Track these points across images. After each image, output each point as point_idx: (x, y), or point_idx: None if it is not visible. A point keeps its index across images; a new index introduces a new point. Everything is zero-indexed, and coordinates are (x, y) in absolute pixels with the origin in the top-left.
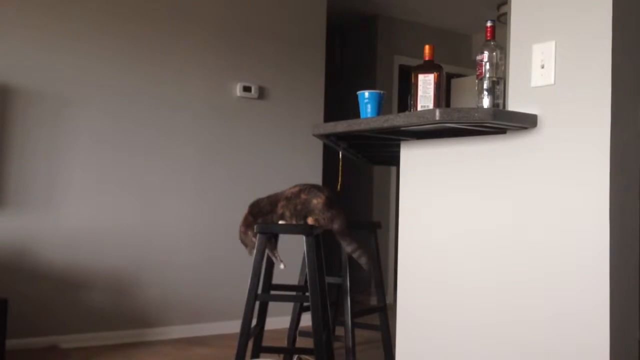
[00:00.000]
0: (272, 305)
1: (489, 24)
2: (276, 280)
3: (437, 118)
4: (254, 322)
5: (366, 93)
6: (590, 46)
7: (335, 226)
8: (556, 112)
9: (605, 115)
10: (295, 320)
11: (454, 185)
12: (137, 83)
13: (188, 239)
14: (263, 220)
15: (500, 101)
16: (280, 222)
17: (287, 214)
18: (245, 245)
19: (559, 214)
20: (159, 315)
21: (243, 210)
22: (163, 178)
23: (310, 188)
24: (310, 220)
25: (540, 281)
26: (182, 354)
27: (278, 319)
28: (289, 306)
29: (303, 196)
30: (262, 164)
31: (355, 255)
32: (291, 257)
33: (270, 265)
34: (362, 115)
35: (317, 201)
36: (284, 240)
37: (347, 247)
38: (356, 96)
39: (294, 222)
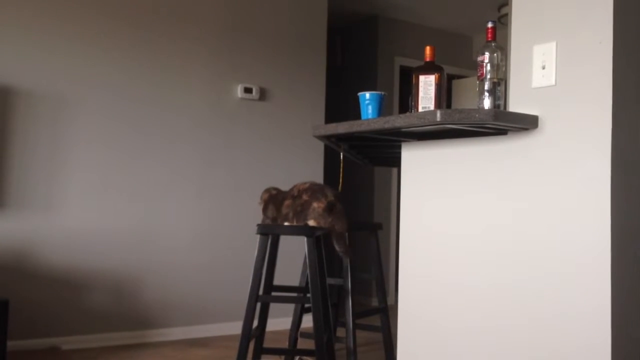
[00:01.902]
0: (273, 307)
1: (489, 25)
2: (277, 281)
3: (438, 119)
4: (255, 323)
5: (367, 94)
6: (591, 47)
7: (337, 228)
8: (557, 113)
9: (607, 115)
10: (297, 321)
11: (455, 186)
12: (138, 84)
13: (189, 240)
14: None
15: (501, 102)
16: (285, 223)
17: (291, 214)
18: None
19: (560, 215)
20: (160, 317)
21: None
22: (164, 179)
23: (315, 189)
24: (311, 222)
25: (541, 281)
26: (183, 355)
27: (279, 320)
28: (290, 307)
29: (305, 197)
30: (263, 165)
31: (340, 253)
32: (292, 258)
33: (272, 267)
34: (363, 117)
35: (317, 205)
36: (286, 241)
37: (338, 247)
38: (357, 97)
39: (295, 222)
